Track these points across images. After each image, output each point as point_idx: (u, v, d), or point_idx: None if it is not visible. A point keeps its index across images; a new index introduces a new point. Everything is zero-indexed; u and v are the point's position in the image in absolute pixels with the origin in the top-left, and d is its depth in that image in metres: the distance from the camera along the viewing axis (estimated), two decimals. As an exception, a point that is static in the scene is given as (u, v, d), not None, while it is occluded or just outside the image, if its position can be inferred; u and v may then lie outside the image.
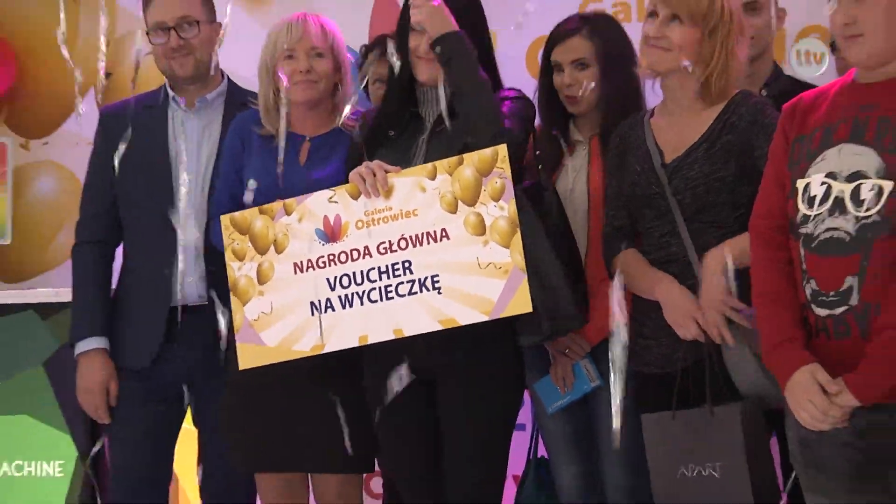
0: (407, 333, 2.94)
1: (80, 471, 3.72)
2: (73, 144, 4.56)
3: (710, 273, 2.83)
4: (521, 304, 2.84)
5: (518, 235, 2.87)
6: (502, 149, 2.87)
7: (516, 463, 3.71)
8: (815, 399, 2.35)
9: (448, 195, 2.94)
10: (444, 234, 2.96)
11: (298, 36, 3.26)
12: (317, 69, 3.28)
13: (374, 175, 2.98)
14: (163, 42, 3.48)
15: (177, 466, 3.66)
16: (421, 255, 2.97)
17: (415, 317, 2.96)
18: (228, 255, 3.17)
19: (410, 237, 2.99)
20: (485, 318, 2.87)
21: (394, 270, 3.00)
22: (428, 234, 2.97)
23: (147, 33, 3.56)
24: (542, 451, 3.66)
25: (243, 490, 3.52)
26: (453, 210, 2.95)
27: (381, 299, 3.00)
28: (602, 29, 3.35)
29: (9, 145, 4.60)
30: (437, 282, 2.95)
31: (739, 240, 2.79)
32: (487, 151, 2.88)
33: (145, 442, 3.51)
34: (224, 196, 3.35)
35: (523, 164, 3.12)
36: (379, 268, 3.01)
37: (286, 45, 3.27)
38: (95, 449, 3.65)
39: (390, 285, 3.00)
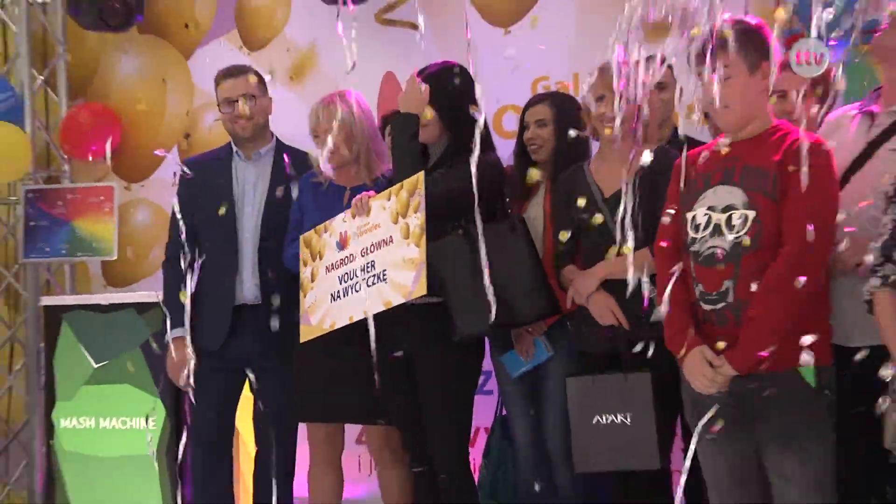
0: (369, 314, 2.95)
1: (167, 425, 3.73)
2: (164, 187, 4.56)
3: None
4: (421, 288, 2.88)
5: (424, 237, 2.89)
6: (420, 175, 2.91)
7: (487, 419, 3.75)
8: (704, 371, 2.38)
9: (394, 210, 2.99)
10: (390, 239, 3.00)
11: (315, 122, 3.34)
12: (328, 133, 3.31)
13: (362, 199, 3.07)
14: (229, 111, 3.49)
15: (238, 422, 3.67)
16: (379, 255, 3.03)
17: (373, 301, 3.00)
18: (301, 264, 3.28)
19: (375, 243, 3.05)
20: (403, 300, 2.92)
21: (367, 268, 3.06)
22: (383, 240, 3.02)
23: (218, 105, 3.57)
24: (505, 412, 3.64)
25: (286, 440, 3.53)
26: (395, 221, 2.99)
27: (360, 290, 3.06)
28: (560, 101, 3.37)
29: (115, 188, 4.60)
30: (385, 275, 2.99)
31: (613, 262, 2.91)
32: (413, 178, 2.93)
33: (216, 404, 3.53)
34: (295, 234, 3.39)
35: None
36: (360, 266, 3.08)
37: (312, 128, 3.36)
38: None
39: (364, 279, 3.06)
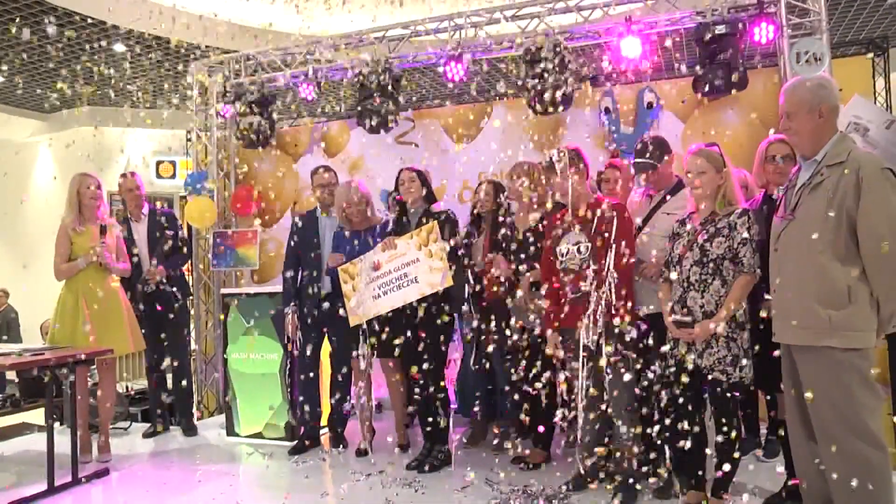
0: (406, 302, 2.86)
1: (285, 357, 3.60)
2: (283, 230, 4.46)
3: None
4: (448, 281, 2.78)
5: (445, 254, 2.79)
6: (435, 223, 2.82)
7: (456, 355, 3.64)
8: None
9: (418, 243, 2.87)
10: (417, 259, 2.87)
11: (345, 194, 3.21)
12: (351, 204, 3.21)
13: (389, 240, 2.95)
14: (320, 192, 3.42)
15: (322, 356, 3.53)
16: (410, 269, 2.89)
17: (409, 295, 2.87)
18: (342, 282, 3.10)
19: (405, 262, 2.90)
20: (433, 291, 2.80)
21: (401, 277, 2.91)
22: (412, 260, 2.89)
23: (313, 188, 3.49)
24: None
25: (347, 366, 3.36)
26: (419, 249, 2.86)
27: (398, 290, 2.91)
28: (497, 183, 3.17)
29: (258, 230, 4.54)
30: (417, 279, 2.86)
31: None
32: (432, 223, 2.83)
33: (311, 347, 3.41)
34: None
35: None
36: (395, 277, 2.93)
37: (345, 198, 3.21)
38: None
39: (400, 283, 2.91)
